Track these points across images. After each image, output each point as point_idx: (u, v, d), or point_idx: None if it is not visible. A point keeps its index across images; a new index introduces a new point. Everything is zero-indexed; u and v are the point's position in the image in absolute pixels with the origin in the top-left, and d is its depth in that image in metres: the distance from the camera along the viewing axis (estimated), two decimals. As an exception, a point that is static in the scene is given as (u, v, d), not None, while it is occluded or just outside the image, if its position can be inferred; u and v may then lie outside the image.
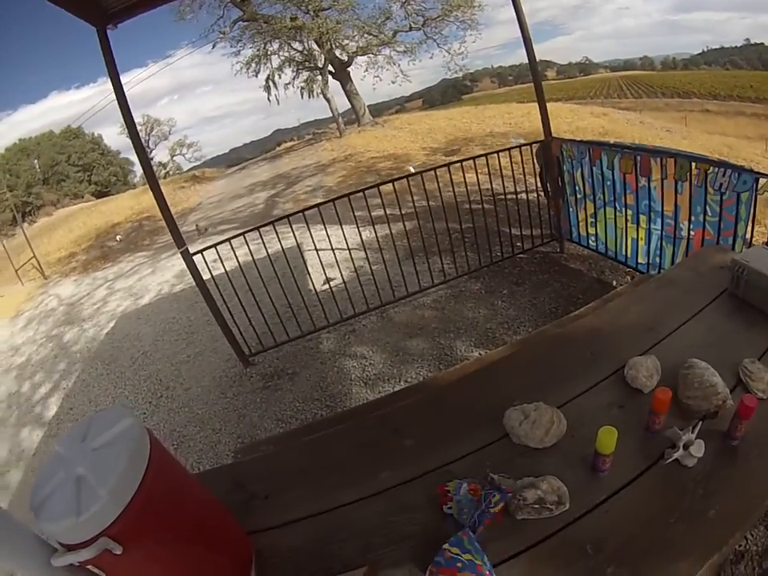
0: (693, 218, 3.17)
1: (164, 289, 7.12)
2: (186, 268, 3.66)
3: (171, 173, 40.55)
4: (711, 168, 2.87)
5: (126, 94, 3.13)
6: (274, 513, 1.36)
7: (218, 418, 3.65)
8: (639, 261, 3.79)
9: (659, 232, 3.51)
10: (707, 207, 3.01)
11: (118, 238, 12.56)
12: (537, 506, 1.17)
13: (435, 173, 4.06)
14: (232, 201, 13.21)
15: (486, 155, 4.18)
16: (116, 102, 3.09)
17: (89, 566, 0.90)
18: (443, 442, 1.48)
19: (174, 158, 46.07)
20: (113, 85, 3.05)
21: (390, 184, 4.03)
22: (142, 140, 3.38)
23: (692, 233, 3.23)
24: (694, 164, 2.99)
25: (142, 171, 3.53)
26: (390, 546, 1.20)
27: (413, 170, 6.72)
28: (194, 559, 1.04)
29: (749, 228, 2.82)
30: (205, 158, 48.54)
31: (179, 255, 3.58)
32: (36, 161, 35.61)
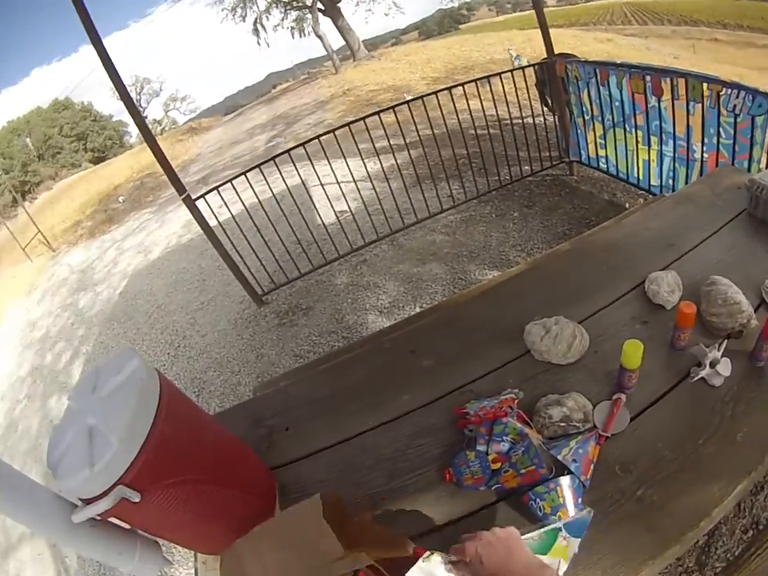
0: (706, 140, 3.05)
1: (172, 241, 7.08)
2: (192, 217, 3.59)
3: (167, 128, 39.58)
4: (724, 89, 2.74)
5: (111, 56, 2.97)
6: (296, 445, 1.36)
7: (237, 359, 3.68)
8: (652, 183, 3.68)
9: (671, 154, 3.39)
10: (721, 129, 2.90)
11: (120, 198, 12.44)
12: (563, 423, 1.15)
13: (437, 98, 3.88)
14: (232, 147, 12.92)
15: (488, 77, 3.97)
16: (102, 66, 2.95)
17: (112, 519, 0.88)
18: (462, 361, 1.45)
19: (169, 114, 45.24)
20: (96, 49, 2.90)
21: (392, 114, 3.88)
22: (133, 100, 3.27)
23: (705, 155, 3.12)
24: (705, 84, 2.84)
25: (137, 131, 3.42)
26: (417, 470, 1.19)
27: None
28: (216, 499, 1.02)
29: (765, 154, 2.71)
30: (200, 109, 47.01)
31: (185, 206, 3.50)
32: (28, 139, 34.58)
